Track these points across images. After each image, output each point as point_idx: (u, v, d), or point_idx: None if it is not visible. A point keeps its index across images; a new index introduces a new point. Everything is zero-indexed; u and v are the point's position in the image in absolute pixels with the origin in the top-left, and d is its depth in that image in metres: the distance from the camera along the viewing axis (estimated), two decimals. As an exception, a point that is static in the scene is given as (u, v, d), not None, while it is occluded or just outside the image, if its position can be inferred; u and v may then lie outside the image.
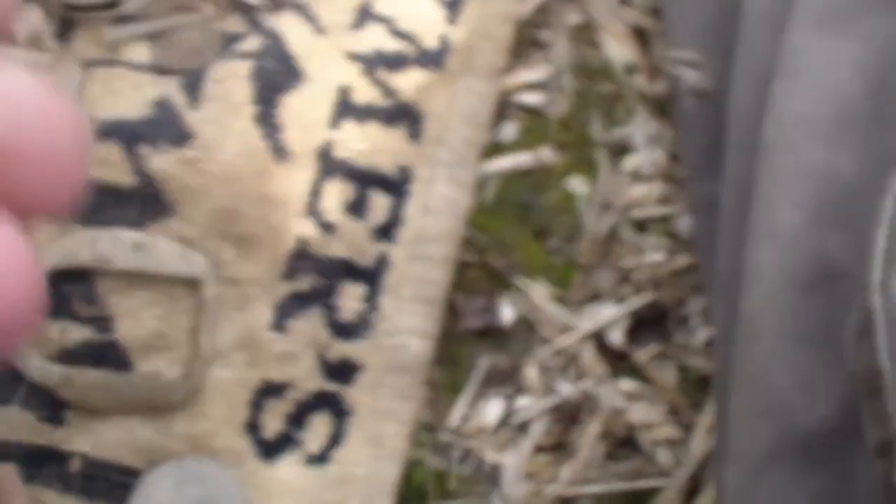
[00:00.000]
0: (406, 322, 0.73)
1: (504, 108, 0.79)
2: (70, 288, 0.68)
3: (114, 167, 0.68)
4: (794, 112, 0.64)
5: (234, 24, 0.74)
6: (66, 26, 0.73)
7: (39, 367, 0.67)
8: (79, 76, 0.71)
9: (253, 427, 0.71)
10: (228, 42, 0.73)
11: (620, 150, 0.80)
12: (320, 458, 0.72)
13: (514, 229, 0.78)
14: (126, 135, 0.69)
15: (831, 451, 0.59)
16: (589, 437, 0.76)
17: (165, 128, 0.69)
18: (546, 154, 0.79)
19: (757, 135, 0.66)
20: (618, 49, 0.80)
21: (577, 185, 0.79)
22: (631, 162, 0.80)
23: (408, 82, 0.73)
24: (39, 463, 0.68)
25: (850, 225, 0.61)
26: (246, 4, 0.75)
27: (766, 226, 0.63)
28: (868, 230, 0.54)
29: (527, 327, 0.78)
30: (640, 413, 0.76)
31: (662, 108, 0.80)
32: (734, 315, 0.67)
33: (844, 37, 0.66)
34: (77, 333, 0.68)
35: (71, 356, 0.68)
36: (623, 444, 0.77)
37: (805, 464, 0.59)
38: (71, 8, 0.72)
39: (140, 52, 0.73)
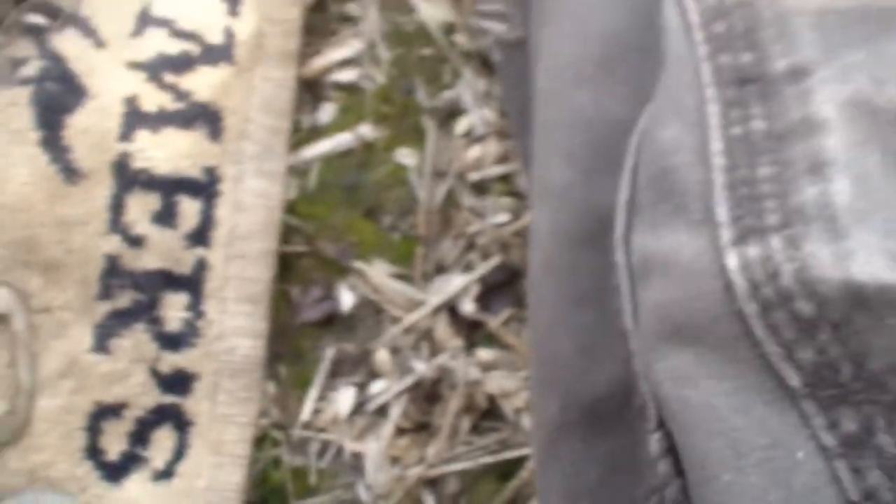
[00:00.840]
0: (233, 324, 0.72)
1: (319, 89, 0.77)
2: None
3: None
4: (560, 57, 0.61)
5: (22, 49, 0.73)
6: None
7: None
8: None
9: (94, 451, 0.70)
10: (14, 68, 0.72)
11: (450, 113, 0.77)
12: (165, 474, 0.71)
13: (344, 212, 0.76)
14: (-80, 178, 0.68)
15: (617, 414, 0.56)
16: (450, 414, 0.74)
17: (-43, 165, 0.68)
18: (366, 130, 0.76)
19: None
20: (431, 10, 0.77)
21: (406, 156, 0.76)
22: (462, 124, 0.77)
23: (199, 82, 0.71)
24: None
25: (619, 170, 0.58)
26: (35, 27, 0.73)
27: (540, 183, 0.60)
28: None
29: (372, 310, 0.76)
30: (498, 382, 0.74)
31: (488, 64, 0.77)
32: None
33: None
34: None
35: None
36: (487, 416, 0.75)
37: (592, 431, 0.56)
38: None
39: (-67, 92, 0.72)
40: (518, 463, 0.74)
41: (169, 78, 0.71)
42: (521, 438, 0.74)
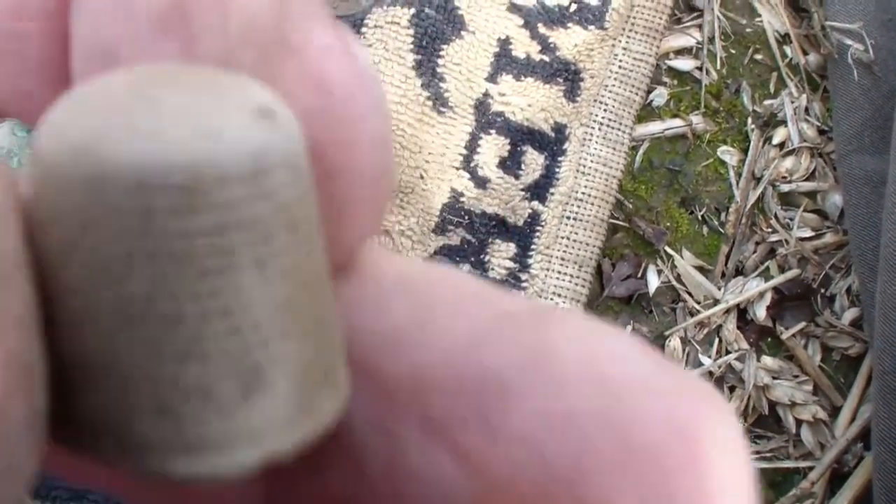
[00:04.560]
0: (554, 283, 0.71)
1: (655, 72, 0.77)
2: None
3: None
4: None
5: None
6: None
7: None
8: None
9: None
10: (388, -11, 0.71)
11: (769, 121, 0.78)
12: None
13: (663, 196, 0.76)
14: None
15: None
16: (730, 413, 0.74)
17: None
18: (697, 120, 0.77)
19: None
20: (772, 18, 0.78)
21: (727, 154, 0.77)
22: (779, 134, 0.78)
23: (567, 39, 0.71)
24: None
25: None
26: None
27: None
28: None
29: (670, 297, 0.75)
30: (784, 391, 0.74)
31: (813, 80, 0.78)
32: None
33: None
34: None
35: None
36: (761, 423, 0.75)
37: None
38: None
39: None
40: (790, 474, 0.74)
41: (542, 28, 0.71)
42: (797, 450, 0.74)
